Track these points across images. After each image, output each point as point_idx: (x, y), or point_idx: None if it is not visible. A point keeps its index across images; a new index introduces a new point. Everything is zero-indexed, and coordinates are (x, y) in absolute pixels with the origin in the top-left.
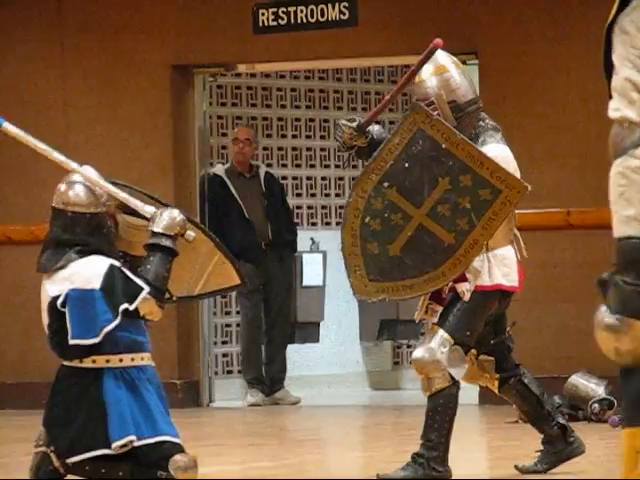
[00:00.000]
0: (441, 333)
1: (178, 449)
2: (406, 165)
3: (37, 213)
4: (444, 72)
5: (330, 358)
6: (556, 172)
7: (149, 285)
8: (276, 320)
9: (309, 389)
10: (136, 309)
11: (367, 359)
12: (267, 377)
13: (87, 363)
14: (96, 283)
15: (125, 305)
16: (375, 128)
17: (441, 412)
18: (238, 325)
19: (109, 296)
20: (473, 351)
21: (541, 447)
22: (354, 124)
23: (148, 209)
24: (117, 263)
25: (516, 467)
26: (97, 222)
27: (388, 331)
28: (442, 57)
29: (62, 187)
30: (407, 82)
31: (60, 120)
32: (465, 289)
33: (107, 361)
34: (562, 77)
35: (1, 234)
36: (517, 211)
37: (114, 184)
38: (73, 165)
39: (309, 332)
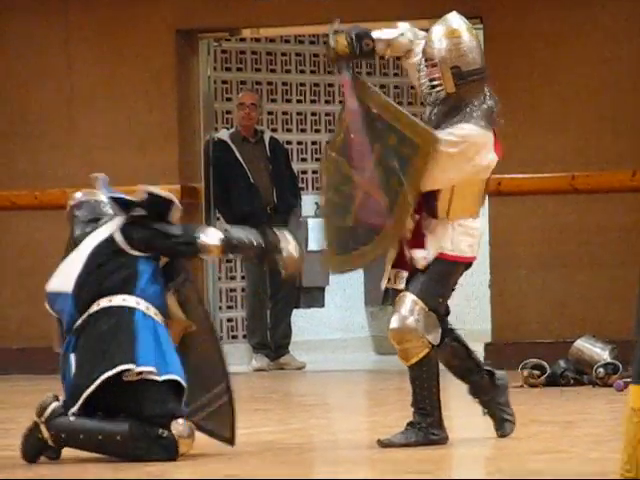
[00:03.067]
0: (414, 300)
1: (181, 413)
2: (351, 136)
3: (41, 179)
4: (455, 37)
5: (335, 323)
6: (561, 137)
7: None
8: (281, 285)
9: (314, 354)
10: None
11: (372, 324)
12: (272, 342)
13: (117, 302)
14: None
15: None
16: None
17: (426, 379)
18: (243, 290)
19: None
20: None
21: (470, 397)
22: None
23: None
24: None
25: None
26: None
27: (393, 296)
28: (456, 21)
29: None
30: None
31: (64, 85)
32: (421, 256)
33: (137, 303)
34: (567, 42)
35: (6, 199)
36: (521, 175)
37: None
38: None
39: (314, 297)
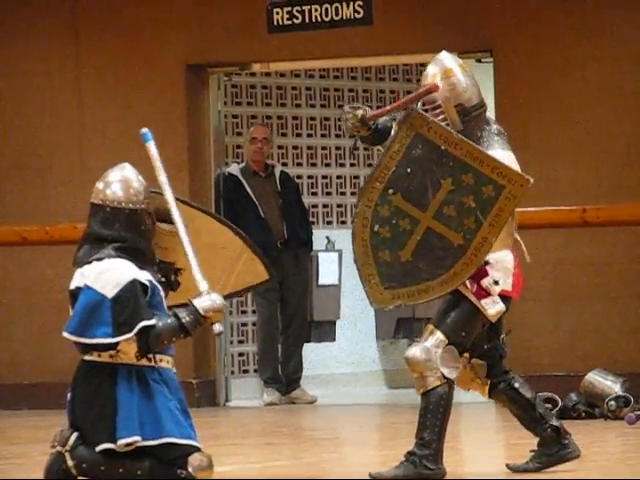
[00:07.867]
0: (436, 333)
1: (195, 448)
2: (408, 170)
3: (52, 214)
4: (451, 76)
5: (346, 357)
6: (572, 169)
7: (147, 335)
8: (292, 319)
9: (325, 388)
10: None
11: (383, 358)
12: (283, 376)
13: (105, 358)
14: (111, 291)
15: (127, 335)
16: (381, 119)
17: (433, 410)
18: (254, 324)
19: (118, 311)
20: (466, 354)
21: (535, 448)
22: (359, 113)
23: (203, 285)
24: (142, 278)
25: (507, 466)
26: (136, 218)
27: (404, 329)
28: (449, 61)
29: (100, 185)
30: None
31: (75, 120)
32: (489, 283)
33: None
34: (577, 74)
35: (17, 235)
36: (533, 208)
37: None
38: (174, 206)
39: (325, 331)
